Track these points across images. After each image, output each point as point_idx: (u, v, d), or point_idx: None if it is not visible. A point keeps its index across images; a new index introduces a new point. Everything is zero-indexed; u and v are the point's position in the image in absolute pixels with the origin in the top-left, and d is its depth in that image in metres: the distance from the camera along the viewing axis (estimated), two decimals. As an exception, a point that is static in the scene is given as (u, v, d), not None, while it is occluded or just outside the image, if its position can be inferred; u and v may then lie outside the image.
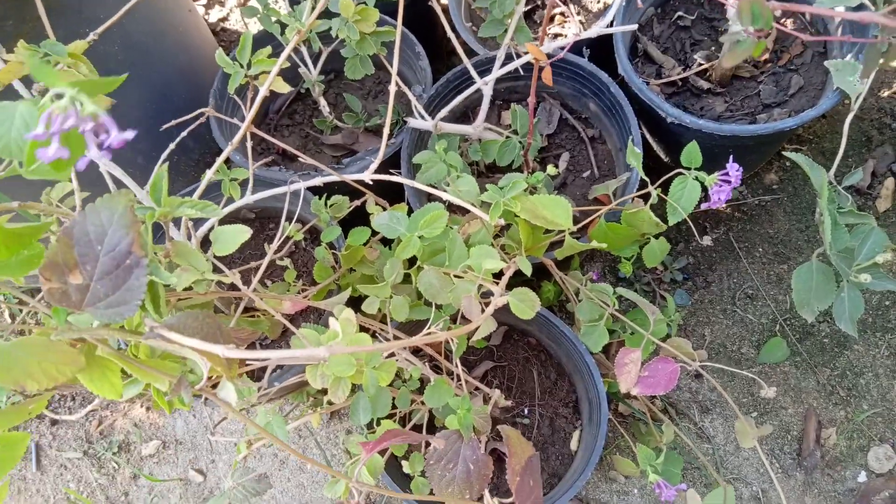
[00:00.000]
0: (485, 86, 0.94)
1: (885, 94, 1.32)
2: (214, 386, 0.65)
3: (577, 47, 1.11)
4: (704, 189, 0.80)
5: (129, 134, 0.46)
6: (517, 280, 1.00)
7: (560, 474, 1.01)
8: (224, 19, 1.63)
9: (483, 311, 0.70)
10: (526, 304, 0.69)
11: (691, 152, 0.81)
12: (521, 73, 0.99)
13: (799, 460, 1.15)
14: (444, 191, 0.82)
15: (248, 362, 0.80)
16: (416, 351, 1.00)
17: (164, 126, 0.84)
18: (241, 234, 0.66)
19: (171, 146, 0.90)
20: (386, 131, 0.81)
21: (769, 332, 1.23)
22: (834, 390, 1.18)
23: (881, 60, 0.72)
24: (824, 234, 0.86)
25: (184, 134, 0.90)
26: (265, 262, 0.81)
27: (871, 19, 0.41)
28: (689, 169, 0.80)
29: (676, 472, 0.96)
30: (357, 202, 0.92)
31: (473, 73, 0.96)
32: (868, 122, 1.31)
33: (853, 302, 0.87)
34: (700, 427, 1.19)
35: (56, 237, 0.50)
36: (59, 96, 0.46)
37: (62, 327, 0.52)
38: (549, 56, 0.87)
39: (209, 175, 0.79)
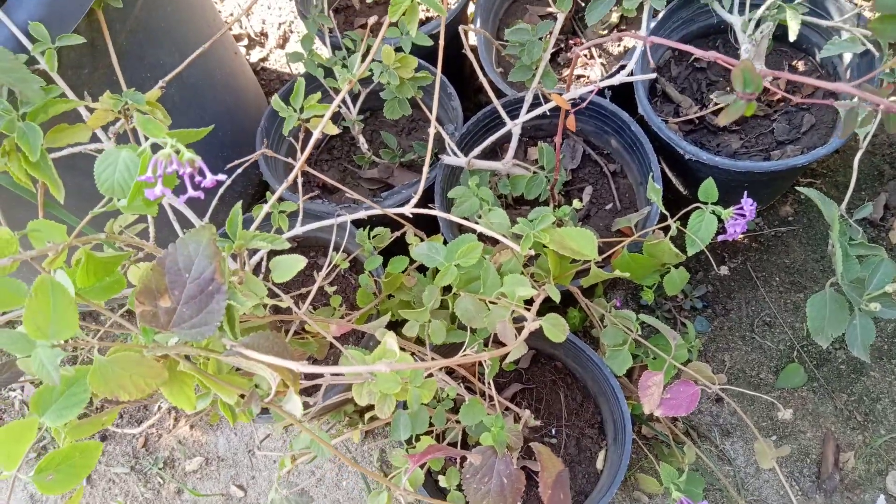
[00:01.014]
0: (514, 127, 1.02)
1: (897, 129, 1.38)
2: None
3: (599, 89, 1.18)
4: (721, 222, 0.86)
5: (222, 176, 0.53)
6: (545, 306, 1.07)
7: (586, 492, 1.06)
8: (264, 59, 1.74)
9: (516, 335, 0.76)
10: (558, 329, 0.75)
11: (708, 188, 0.87)
12: (547, 112, 1.07)
13: (818, 483, 1.19)
14: (477, 223, 0.89)
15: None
16: (450, 372, 1.06)
17: (228, 166, 0.93)
18: (298, 262, 0.74)
19: (227, 182, 0.98)
20: (426, 170, 0.88)
21: (787, 359, 1.27)
22: (851, 415, 1.22)
23: (857, 124, 0.77)
24: (836, 265, 0.91)
25: (238, 171, 0.99)
26: (314, 288, 0.89)
27: (842, 89, 0.47)
28: (706, 203, 0.86)
29: (699, 492, 1.01)
30: (397, 233, 0.99)
31: (504, 115, 1.03)
32: (880, 157, 1.36)
33: (865, 329, 0.91)
34: (721, 450, 1.23)
35: (151, 266, 0.57)
36: (157, 146, 0.55)
37: (151, 345, 0.59)
38: (574, 102, 0.95)
39: (266, 209, 0.86)
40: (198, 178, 0.54)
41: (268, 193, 1.49)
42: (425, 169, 0.87)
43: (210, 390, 0.67)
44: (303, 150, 0.86)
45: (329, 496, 1.29)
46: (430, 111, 0.91)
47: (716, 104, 1.19)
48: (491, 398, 0.93)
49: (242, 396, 0.73)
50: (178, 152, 0.53)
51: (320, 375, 0.77)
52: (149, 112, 0.79)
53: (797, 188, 1.07)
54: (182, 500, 1.32)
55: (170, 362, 0.64)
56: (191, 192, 0.54)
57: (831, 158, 1.38)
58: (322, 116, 0.85)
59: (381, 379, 0.72)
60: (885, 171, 1.35)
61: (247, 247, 0.64)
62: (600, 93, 1.19)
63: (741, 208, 0.85)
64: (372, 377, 0.73)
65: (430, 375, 0.86)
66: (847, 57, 1.10)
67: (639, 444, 1.21)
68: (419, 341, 0.93)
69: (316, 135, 0.84)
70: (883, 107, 0.47)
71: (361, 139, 1.24)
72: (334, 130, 0.87)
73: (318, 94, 0.91)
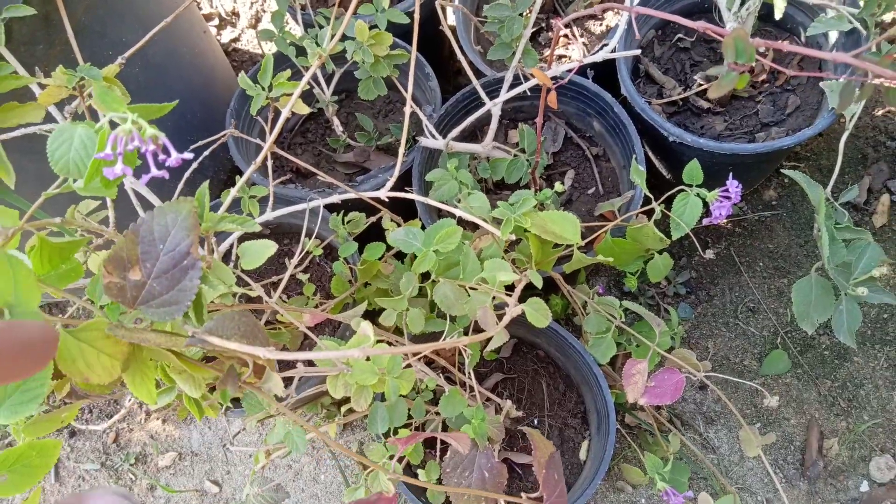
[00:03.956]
0: (494, 107, 0.98)
1: (879, 112, 1.37)
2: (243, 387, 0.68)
3: (580, 68, 1.15)
4: (706, 205, 0.84)
5: (188, 154, 0.49)
6: (527, 293, 1.04)
7: (570, 484, 1.04)
8: (236, 40, 1.68)
9: (497, 322, 0.73)
10: (540, 314, 0.72)
11: (692, 170, 0.84)
12: (528, 93, 1.03)
13: (802, 470, 1.18)
14: (456, 207, 0.85)
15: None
16: (430, 363, 1.03)
17: (192, 147, 0.88)
18: (268, 249, 0.69)
19: (194, 165, 0.93)
20: (401, 152, 0.84)
21: (771, 345, 1.26)
22: (835, 401, 1.21)
23: (855, 98, 0.75)
24: (822, 250, 0.90)
25: (206, 154, 0.94)
26: (286, 276, 0.85)
27: (842, 60, 0.44)
28: (690, 186, 0.84)
29: (683, 481, 0.99)
30: (373, 218, 0.96)
31: (483, 95, 0.99)
32: (863, 140, 1.35)
33: (851, 314, 0.90)
34: (705, 437, 1.21)
35: (124, 233, 0.52)
36: (114, 122, 0.50)
37: (115, 323, 0.54)
38: (555, 79, 0.91)
39: (233, 193, 0.82)
40: (162, 157, 0.49)
41: (237, 178, 1.44)
42: (401, 151, 0.83)
43: (174, 385, 0.63)
44: (271, 130, 0.82)
45: (307, 490, 1.25)
46: (408, 91, 0.87)
47: (700, 85, 1.16)
48: (471, 389, 0.90)
49: (211, 389, 0.70)
50: (139, 128, 0.49)
51: (292, 364, 0.74)
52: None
53: (782, 171, 1.05)
54: (155, 496, 1.28)
55: (134, 348, 0.59)
56: (154, 172, 0.49)
57: (815, 141, 1.37)
58: (292, 95, 0.81)
59: (357, 369, 0.68)
60: (869, 155, 1.34)
61: (215, 229, 0.60)
62: (583, 74, 1.16)
63: (726, 190, 0.83)
64: (347, 368, 0.70)
65: (409, 366, 0.82)
66: (833, 36, 1.08)
67: (622, 433, 1.19)
68: (397, 331, 0.89)
69: (285, 114, 0.80)
70: (886, 78, 0.44)
71: (336, 121, 1.20)
72: (304, 109, 0.83)
73: (288, 72, 0.86)
